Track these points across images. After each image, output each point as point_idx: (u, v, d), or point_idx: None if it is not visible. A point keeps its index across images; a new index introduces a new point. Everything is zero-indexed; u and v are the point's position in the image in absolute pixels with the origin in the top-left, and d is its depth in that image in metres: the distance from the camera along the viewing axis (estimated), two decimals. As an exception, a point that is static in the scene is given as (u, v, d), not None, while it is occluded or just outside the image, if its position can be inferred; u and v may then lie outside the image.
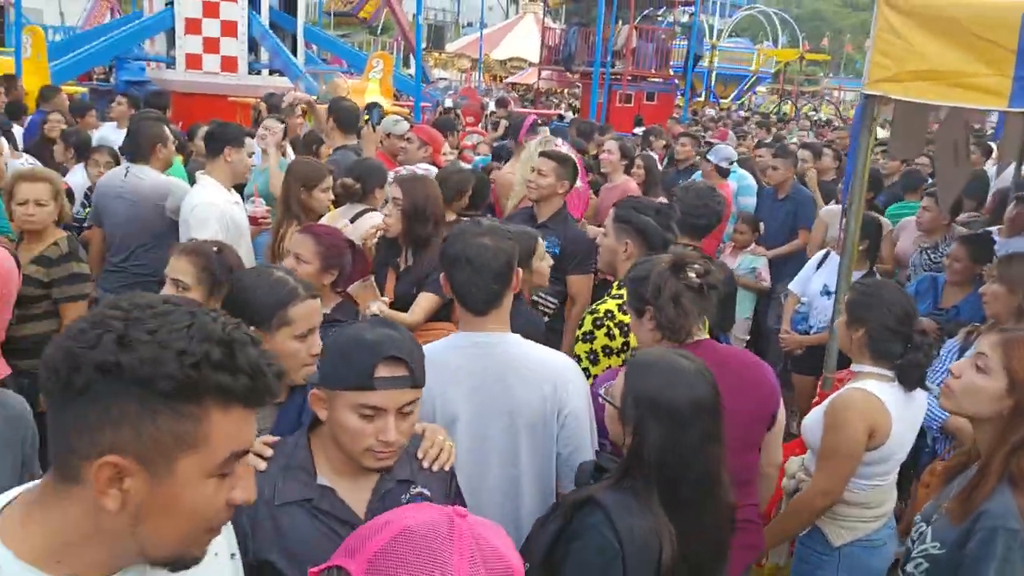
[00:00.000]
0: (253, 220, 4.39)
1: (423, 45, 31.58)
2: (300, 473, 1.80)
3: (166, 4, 14.69)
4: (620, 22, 19.43)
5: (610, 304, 2.94)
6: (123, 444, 1.01)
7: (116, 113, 7.87)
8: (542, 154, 4.23)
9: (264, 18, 14.90)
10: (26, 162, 5.58)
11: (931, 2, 3.13)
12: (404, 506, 1.22)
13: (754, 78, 33.40)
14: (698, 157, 6.63)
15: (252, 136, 5.27)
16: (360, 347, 1.74)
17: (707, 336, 2.56)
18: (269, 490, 1.77)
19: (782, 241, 6.33)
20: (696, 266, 2.41)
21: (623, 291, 2.92)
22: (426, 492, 1.86)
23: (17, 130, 7.03)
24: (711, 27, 34.15)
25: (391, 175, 4.49)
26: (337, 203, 4.16)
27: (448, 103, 16.13)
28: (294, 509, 1.77)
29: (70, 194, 5.04)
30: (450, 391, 2.22)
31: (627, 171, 5.93)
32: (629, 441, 1.88)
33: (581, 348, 2.87)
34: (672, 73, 21.17)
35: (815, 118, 25.81)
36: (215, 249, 2.68)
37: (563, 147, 4.53)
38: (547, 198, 4.12)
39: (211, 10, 14.39)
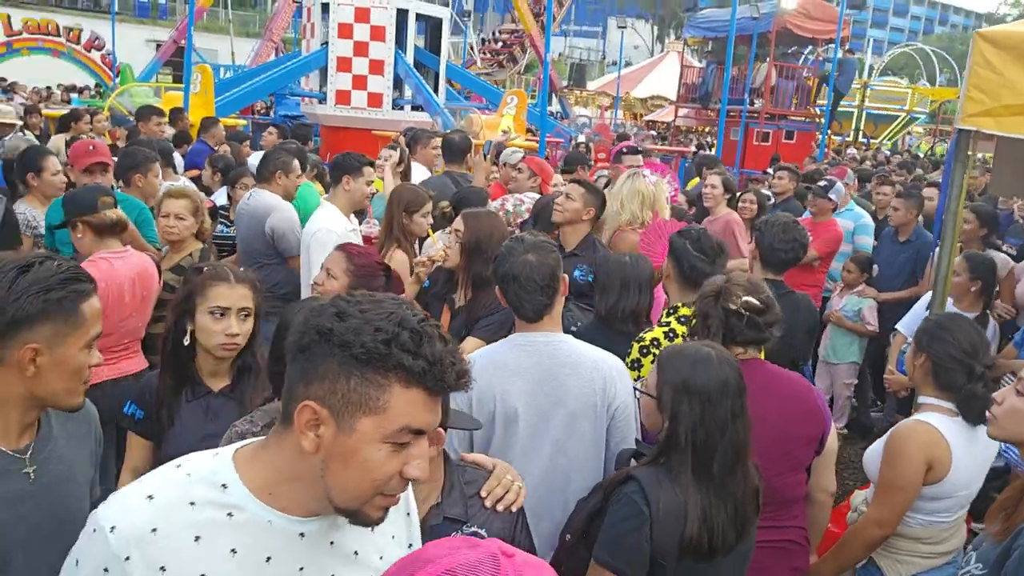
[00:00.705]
0: (367, 240, 4.72)
1: (565, 83, 32.29)
2: None
3: (322, 44, 15.76)
4: (760, 60, 19.19)
5: (656, 332, 3.03)
6: (322, 395, 1.23)
7: (266, 142, 8.55)
8: (573, 181, 4.28)
9: (409, 57, 15.71)
10: (184, 184, 6.20)
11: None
12: (453, 539, 1.22)
13: (907, 118, 31.96)
14: (810, 193, 6.51)
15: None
16: None
17: (756, 357, 2.61)
18: None
19: (900, 286, 6.04)
20: (740, 295, 2.49)
21: (671, 319, 3.02)
22: (481, 532, 1.84)
23: (177, 157, 7.78)
24: (863, 64, 33.03)
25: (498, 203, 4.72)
26: (436, 227, 4.40)
27: (581, 139, 16.39)
28: None
29: (214, 213, 5.57)
30: (509, 387, 2.42)
31: (731, 204, 5.94)
32: (666, 424, 2.05)
33: (631, 375, 2.96)
34: (818, 112, 20.64)
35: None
36: (246, 271, 2.70)
37: (651, 179, 4.58)
38: (572, 223, 4.11)
39: (361, 49, 15.33)
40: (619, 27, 27.14)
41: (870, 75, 33.75)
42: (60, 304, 1.71)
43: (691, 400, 2.04)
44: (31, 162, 4.77)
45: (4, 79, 25.19)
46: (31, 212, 4.69)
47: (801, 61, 21.55)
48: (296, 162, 4.93)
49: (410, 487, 1.49)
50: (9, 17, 29.37)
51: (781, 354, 3.14)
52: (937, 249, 5.83)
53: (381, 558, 1.44)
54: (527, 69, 37.09)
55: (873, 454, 2.72)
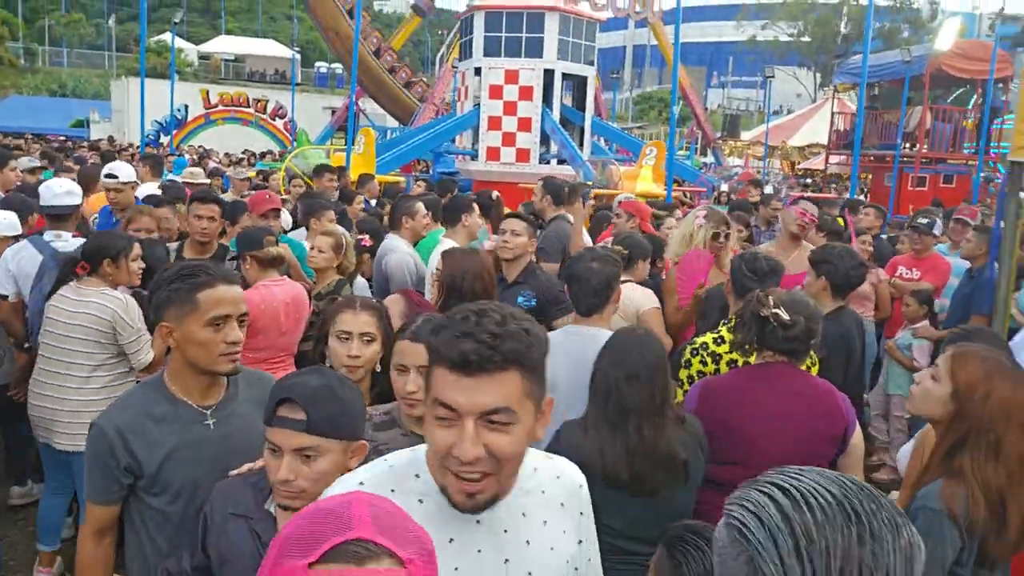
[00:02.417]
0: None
1: (718, 134, 32.38)
2: (258, 494, 2.00)
3: (474, 105, 16.89)
4: (914, 103, 18.70)
5: (707, 338, 3.42)
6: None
7: (414, 194, 9.44)
8: (512, 215, 4.58)
9: (556, 114, 16.54)
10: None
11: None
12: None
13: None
14: (912, 231, 6.52)
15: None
16: (276, 387, 1.91)
17: (784, 362, 2.95)
18: (226, 498, 2.02)
19: (957, 321, 5.38)
20: (771, 305, 2.87)
21: (722, 328, 3.41)
22: None
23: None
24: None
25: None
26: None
27: (724, 187, 16.57)
28: (240, 521, 1.98)
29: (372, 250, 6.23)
30: (554, 363, 2.91)
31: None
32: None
33: (683, 373, 3.35)
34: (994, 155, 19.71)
35: None
36: (374, 301, 3.00)
37: (699, 220, 4.94)
38: (519, 258, 4.36)
39: (510, 109, 16.33)
40: (766, 77, 27.03)
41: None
42: (177, 292, 2.22)
43: (598, 369, 2.65)
44: (230, 213, 5.74)
45: (202, 146, 28.32)
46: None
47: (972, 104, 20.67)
48: (419, 204, 5.58)
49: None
50: (208, 92, 32.97)
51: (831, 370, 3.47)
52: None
53: (552, 548, 1.57)
54: (681, 122, 37.42)
55: (905, 451, 2.98)
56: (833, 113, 21.77)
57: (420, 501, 1.47)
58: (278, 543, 1.05)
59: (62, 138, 28.24)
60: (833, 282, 4.01)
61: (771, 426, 2.78)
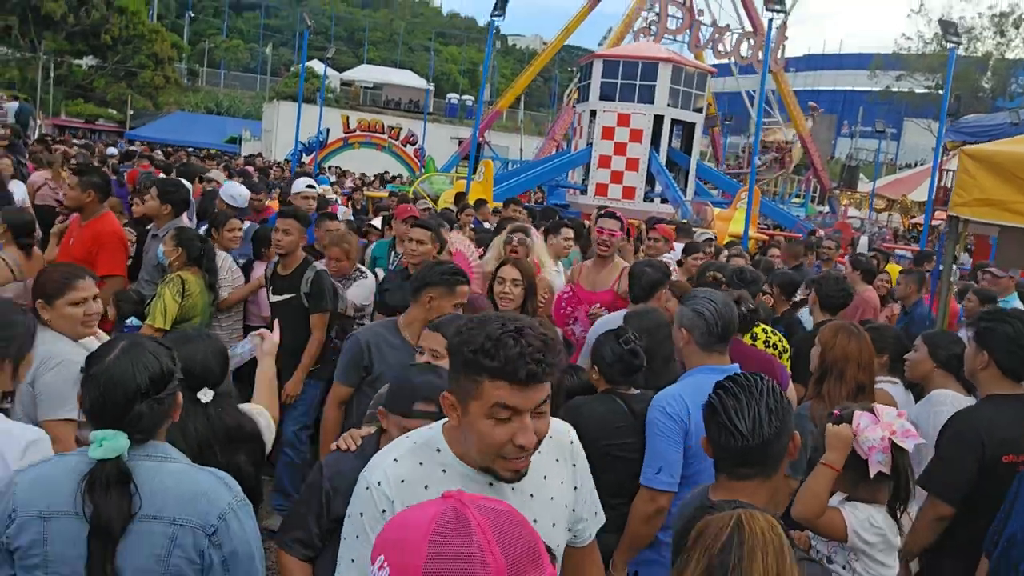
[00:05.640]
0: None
1: (834, 184, 32.57)
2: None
3: (587, 144, 18.28)
4: None
5: None
6: (452, 388, 1.73)
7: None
8: (415, 224, 5.22)
9: (662, 157, 17.74)
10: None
11: (989, 151, 4.37)
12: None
13: None
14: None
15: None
16: (414, 388, 2.32)
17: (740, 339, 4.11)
18: (342, 472, 2.32)
19: None
20: (750, 303, 4.04)
21: None
22: None
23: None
24: None
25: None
26: None
27: (821, 234, 17.27)
28: None
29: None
30: None
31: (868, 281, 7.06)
32: None
33: None
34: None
35: None
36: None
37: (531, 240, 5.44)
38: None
39: (620, 149, 17.63)
40: (876, 131, 27.31)
41: None
42: (447, 282, 3.46)
43: None
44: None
45: (338, 167, 30.85)
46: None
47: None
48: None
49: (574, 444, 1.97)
50: (348, 118, 35.67)
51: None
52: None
53: (552, 498, 1.87)
54: (797, 170, 37.60)
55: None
56: (940, 170, 21.97)
57: (443, 471, 1.76)
58: None
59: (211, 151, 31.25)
60: (820, 298, 5.08)
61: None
